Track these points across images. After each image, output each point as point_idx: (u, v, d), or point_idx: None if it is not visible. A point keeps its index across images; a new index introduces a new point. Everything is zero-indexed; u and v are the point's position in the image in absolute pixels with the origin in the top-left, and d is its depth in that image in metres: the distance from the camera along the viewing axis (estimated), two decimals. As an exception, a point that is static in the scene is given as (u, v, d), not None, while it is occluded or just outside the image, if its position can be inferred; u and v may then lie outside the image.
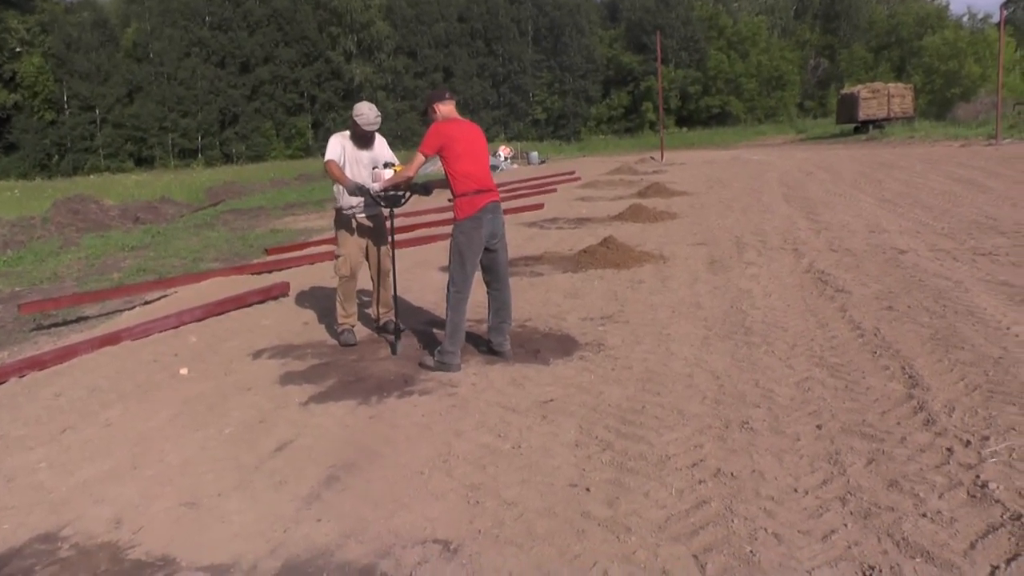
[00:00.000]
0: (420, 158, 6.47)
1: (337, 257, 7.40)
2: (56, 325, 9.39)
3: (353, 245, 7.33)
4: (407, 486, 4.36)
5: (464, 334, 6.52)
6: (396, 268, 7.32)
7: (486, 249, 6.45)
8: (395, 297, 7.28)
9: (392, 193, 6.86)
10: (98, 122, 66.70)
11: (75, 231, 18.72)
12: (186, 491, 4.50)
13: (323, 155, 7.31)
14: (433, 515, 4.00)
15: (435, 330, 7.55)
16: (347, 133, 7.28)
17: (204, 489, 4.51)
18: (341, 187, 7.09)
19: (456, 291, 6.41)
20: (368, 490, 4.35)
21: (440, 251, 8.99)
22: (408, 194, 6.92)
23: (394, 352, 6.95)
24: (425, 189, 7.12)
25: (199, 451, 5.07)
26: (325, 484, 4.46)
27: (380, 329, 7.66)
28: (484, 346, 6.85)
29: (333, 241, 7.92)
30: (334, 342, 7.42)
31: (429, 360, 6.54)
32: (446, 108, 6.55)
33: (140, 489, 4.56)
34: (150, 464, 4.91)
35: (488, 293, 6.70)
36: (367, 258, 7.49)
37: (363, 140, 7.24)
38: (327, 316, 8.23)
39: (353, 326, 7.46)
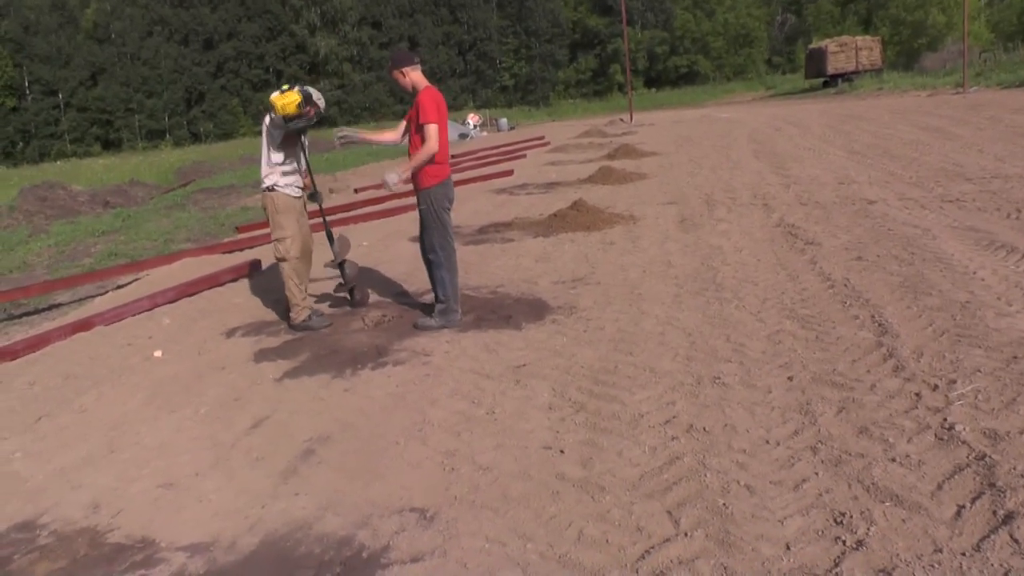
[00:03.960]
0: (435, 127, 6.31)
1: (281, 240, 6.95)
2: (28, 314, 9.31)
3: (296, 224, 6.98)
4: (383, 456, 4.38)
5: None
6: (370, 239, 7.23)
7: None
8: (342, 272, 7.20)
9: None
10: (62, 106, 65.83)
11: (44, 218, 18.49)
12: (163, 472, 4.50)
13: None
14: (409, 484, 4.03)
15: (407, 300, 7.58)
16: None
17: (181, 469, 4.52)
18: (276, 166, 6.83)
19: (447, 254, 6.62)
20: (344, 462, 4.37)
21: (410, 221, 8.97)
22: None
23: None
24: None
25: (175, 432, 5.06)
26: (301, 458, 4.47)
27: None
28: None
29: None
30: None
31: (430, 321, 6.68)
32: (416, 75, 6.55)
33: (117, 473, 4.56)
34: (126, 448, 4.90)
35: None
36: None
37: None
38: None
39: (312, 309, 7.16)
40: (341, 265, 7.29)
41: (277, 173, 6.88)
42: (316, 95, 6.97)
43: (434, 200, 6.52)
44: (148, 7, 68.08)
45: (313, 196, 7.11)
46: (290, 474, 4.30)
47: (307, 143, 7.21)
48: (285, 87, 6.67)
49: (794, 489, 3.57)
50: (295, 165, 6.97)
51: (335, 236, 7.32)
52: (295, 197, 6.98)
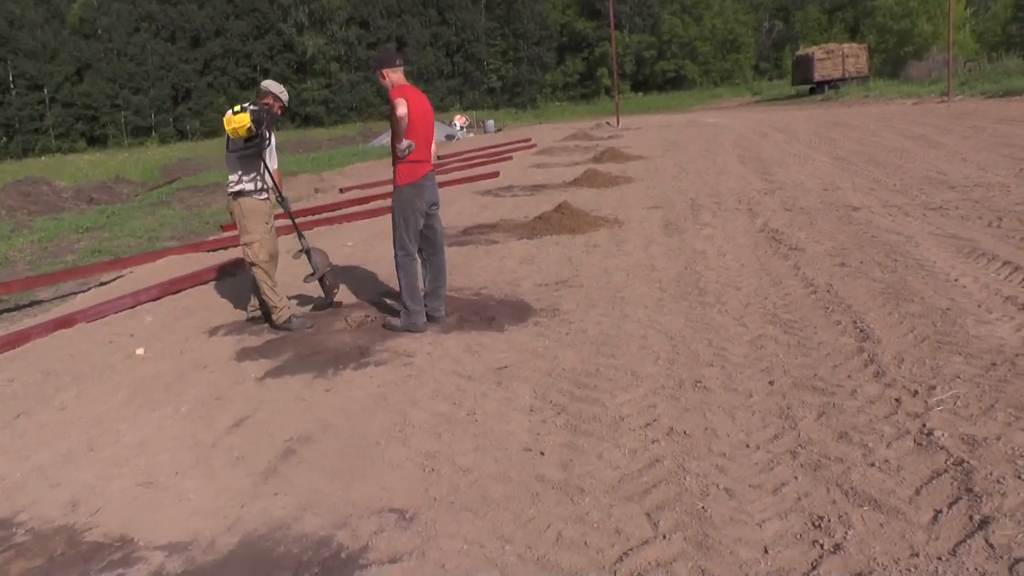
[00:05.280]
0: (401, 99, 6.25)
1: (249, 244, 6.88)
2: (8, 310, 9.25)
3: (263, 228, 6.92)
4: (363, 457, 4.38)
5: (421, 293, 6.66)
6: (355, 239, 7.23)
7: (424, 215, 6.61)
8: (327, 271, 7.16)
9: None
10: (47, 102, 65.26)
11: (27, 214, 18.38)
12: (143, 471, 4.49)
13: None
14: (389, 484, 4.02)
15: (388, 300, 7.55)
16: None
17: (161, 468, 4.50)
18: (241, 172, 6.79)
19: (404, 254, 6.58)
20: (325, 462, 4.36)
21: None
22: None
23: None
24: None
25: (156, 431, 5.04)
26: (282, 458, 4.46)
27: (252, 320, 7.38)
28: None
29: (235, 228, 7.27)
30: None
31: (396, 321, 6.66)
32: (396, 75, 6.54)
33: (97, 471, 4.54)
34: (106, 446, 4.88)
35: (423, 260, 6.81)
36: None
37: (276, 123, 7.02)
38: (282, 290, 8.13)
39: (291, 311, 7.14)
40: (322, 280, 7.33)
41: (243, 178, 6.83)
42: (277, 89, 6.96)
43: (403, 200, 6.50)
44: (135, 3, 67.54)
45: (280, 201, 7.05)
46: (270, 474, 4.29)
47: (274, 144, 7.16)
48: (237, 108, 6.62)
49: (773, 493, 3.58)
50: (261, 170, 6.88)
51: (310, 249, 7.32)
52: (261, 200, 6.92)
